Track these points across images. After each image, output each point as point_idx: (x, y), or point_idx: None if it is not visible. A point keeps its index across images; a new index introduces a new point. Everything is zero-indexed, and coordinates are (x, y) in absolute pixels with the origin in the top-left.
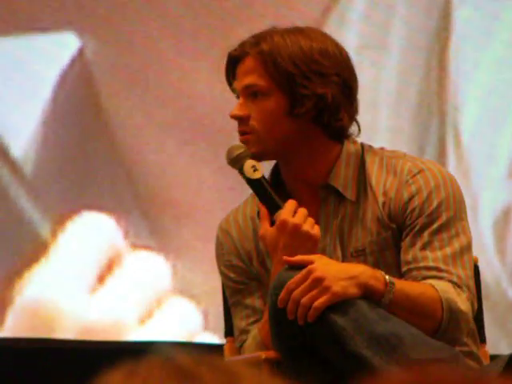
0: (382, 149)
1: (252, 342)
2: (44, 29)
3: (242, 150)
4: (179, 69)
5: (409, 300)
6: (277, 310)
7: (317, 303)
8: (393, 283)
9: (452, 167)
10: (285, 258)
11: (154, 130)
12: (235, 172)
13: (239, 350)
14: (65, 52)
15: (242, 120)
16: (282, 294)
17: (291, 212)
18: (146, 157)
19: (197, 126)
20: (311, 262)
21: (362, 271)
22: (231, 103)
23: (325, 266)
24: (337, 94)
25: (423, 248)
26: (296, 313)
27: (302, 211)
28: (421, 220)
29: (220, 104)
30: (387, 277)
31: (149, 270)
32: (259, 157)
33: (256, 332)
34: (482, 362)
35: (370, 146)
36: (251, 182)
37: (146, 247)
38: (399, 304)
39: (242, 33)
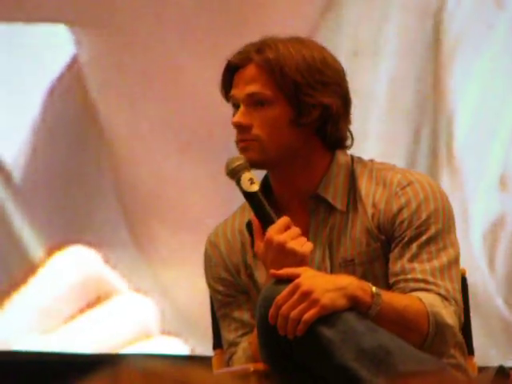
0: (371, 161)
1: (242, 355)
2: (38, 29)
3: (240, 162)
4: (178, 73)
5: (395, 312)
6: (265, 322)
7: (306, 317)
8: (379, 295)
9: (444, 178)
10: (271, 271)
11: (144, 136)
12: (226, 181)
13: (228, 362)
14: (58, 57)
15: (244, 128)
16: (272, 310)
17: (281, 228)
18: (136, 164)
19: (189, 134)
20: (297, 276)
21: (349, 282)
22: (224, 111)
23: (311, 279)
24: (339, 105)
25: (411, 260)
26: (286, 328)
27: (294, 229)
28: (409, 232)
29: (213, 111)
30: (374, 288)
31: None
32: (259, 164)
33: (246, 345)
34: (469, 374)
35: (360, 158)
36: (248, 195)
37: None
38: (386, 316)
39: (238, 42)
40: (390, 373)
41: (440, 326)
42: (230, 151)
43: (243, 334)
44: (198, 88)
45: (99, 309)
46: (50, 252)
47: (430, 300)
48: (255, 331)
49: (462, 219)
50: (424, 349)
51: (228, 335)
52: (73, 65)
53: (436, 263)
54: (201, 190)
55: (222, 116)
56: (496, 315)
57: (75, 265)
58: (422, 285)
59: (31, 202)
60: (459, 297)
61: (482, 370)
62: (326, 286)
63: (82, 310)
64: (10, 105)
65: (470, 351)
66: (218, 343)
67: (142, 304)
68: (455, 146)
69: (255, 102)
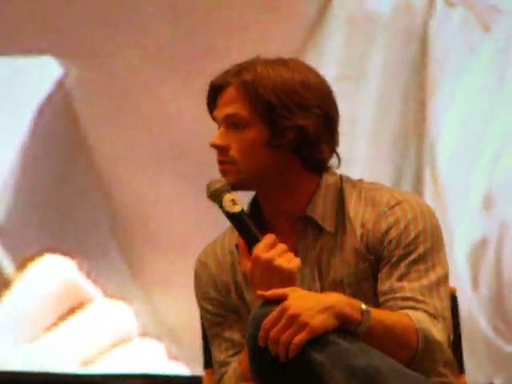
0: (360, 180)
1: (232, 375)
2: (24, 54)
3: (220, 185)
4: (161, 97)
5: (384, 328)
6: (255, 343)
7: (296, 341)
8: (369, 311)
9: (428, 200)
10: (258, 292)
11: (134, 160)
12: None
13: (219, 382)
14: (44, 81)
15: (221, 149)
16: (261, 334)
17: (267, 246)
18: (124, 187)
19: (178, 157)
20: (285, 297)
21: (337, 300)
22: (213, 133)
23: (299, 301)
24: (318, 127)
25: (400, 279)
26: (277, 351)
27: (280, 246)
28: (398, 251)
29: (201, 134)
30: (363, 305)
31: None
32: (237, 187)
33: (236, 365)
34: None
35: (349, 178)
36: (230, 216)
37: (114, 295)
38: (375, 332)
39: (223, 63)
40: None
41: (429, 342)
42: (217, 173)
43: (234, 354)
44: (182, 111)
45: (78, 316)
46: (28, 263)
47: (418, 317)
48: (245, 350)
49: (446, 242)
50: (413, 365)
51: (219, 355)
52: (60, 86)
53: (425, 282)
54: (187, 210)
55: (209, 138)
56: (479, 335)
57: (54, 273)
58: (410, 303)
59: (19, 219)
60: (448, 314)
61: None
62: (313, 307)
63: (60, 318)
64: None
65: (461, 370)
66: (208, 363)
67: (121, 309)
68: (439, 168)
69: (233, 124)
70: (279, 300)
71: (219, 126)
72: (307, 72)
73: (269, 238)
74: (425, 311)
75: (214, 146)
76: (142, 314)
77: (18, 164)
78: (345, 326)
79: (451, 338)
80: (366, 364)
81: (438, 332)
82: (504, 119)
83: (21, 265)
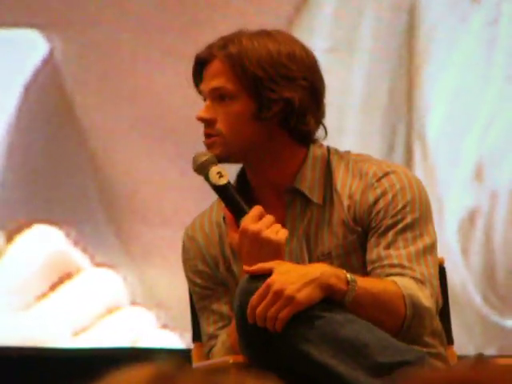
0: (347, 152)
1: (221, 347)
2: (7, 27)
3: (206, 157)
4: (147, 68)
5: (371, 297)
6: (242, 316)
7: (281, 315)
8: (354, 281)
9: (418, 171)
10: (245, 268)
11: (122, 131)
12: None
13: (207, 355)
14: (32, 53)
15: (207, 123)
16: (248, 312)
17: (254, 218)
18: (112, 160)
19: (165, 128)
20: (270, 271)
21: (322, 272)
22: (199, 104)
23: (284, 276)
24: (304, 99)
25: (387, 247)
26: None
27: (268, 217)
28: (385, 221)
29: (188, 105)
30: (349, 275)
31: (106, 284)
32: (224, 159)
33: (225, 337)
34: (449, 363)
35: (336, 150)
36: (217, 189)
37: (103, 264)
38: (362, 301)
39: (212, 31)
40: (368, 365)
41: (417, 308)
42: (203, 147)
43: (222, 327)
44: (168, 83)
45: (68, 286)
46: (16, 234)
47: (405, 283)
48: (233, 323)
49: (436, 212)
50: (402, 332)
51: (207, 328)
52: (46, 61)
53: (412, 249)
54: (176, 182)
55: (195, 111)
56: (472, 307)
57: (43, 243)
58: (397, 269)
59: (7, 192)
60: (435, 282)
61: (461, 358)
62: (298, 280)
63: (50, 288)
64: None
65: (450, 340)
66: (197, 336)
67: (111, 278)
68: (429, 140)
69: (219, 97)
70: (265, 274)
71: (205, 99)
72: (293, 44)
73: (256, 210)
74: (412, 277)
75: (200, 119)
76: (130, 284)
77: (6, 137)
78: (331, 297)
79: (440, 304)
80: (353, 336)
81: (426, 298)
82: (494, 89)
83: (9, 236)
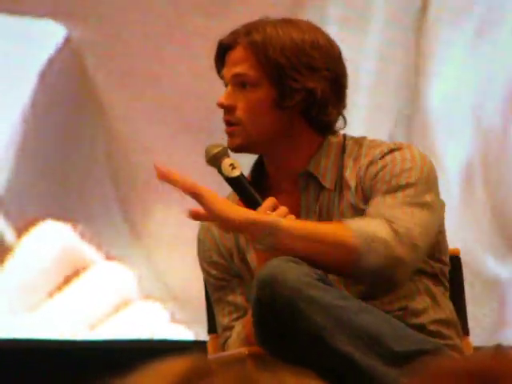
0: (364, 138)
1: (236, 339)
2: (26, 14)
3: (219, 149)
4: (166, 56)
5: (305, 229)
6: (259, 306)
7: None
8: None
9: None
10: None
11: (140, 120)
12: None
13: (223, 346)
14: (49, 40)
15: (227, 109)
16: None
17: (268, 209)
18: (132, 145)
19: (185, 115)
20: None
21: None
22: (218, 91)
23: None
24: (326, 90)
25: (377, 204)
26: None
27: (281, 209)
28: (383, 186)
29: (208, 94)
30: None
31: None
32: (244, 149)
33: (240, 328)
34: (464, 354)
35: (352, 137)
36: (230, 180)
37: (117, 257)
38: (295, 233)
39: (233, 20)
40: (384, 353)
41: (371, 238)
42: (224, 135)
43: (237, 318)
44: (187, 70)
45: (81, 281)
46: (30, 228)
47: (370, 222)
48: (249, 314)
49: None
50: (362, 270)
51: (222, 319)
52: (63, 49)
53: (396, 201)
54: (193, 172)
55: (214, 96)
56: (485, 275)
57: (55, 238)
58: (374, 214)
59: (21, 186)
60: (420, 237)
61: (477, 349)
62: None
63: (63, 283)
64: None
65: (465, 331)
66: (212, 327)
67: (123, 272)
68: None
69: (241, 83)
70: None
71: (226, 85)
72: (316, 33)
73: (269, 201)
74: (387, 221)
75: (220, 105)
76: (144, 277)
77: (19, 129)
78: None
79: (419, 255)
80: (369, 325)
81: (388, 233)
82: (500, 68)
83: (23, 230)
